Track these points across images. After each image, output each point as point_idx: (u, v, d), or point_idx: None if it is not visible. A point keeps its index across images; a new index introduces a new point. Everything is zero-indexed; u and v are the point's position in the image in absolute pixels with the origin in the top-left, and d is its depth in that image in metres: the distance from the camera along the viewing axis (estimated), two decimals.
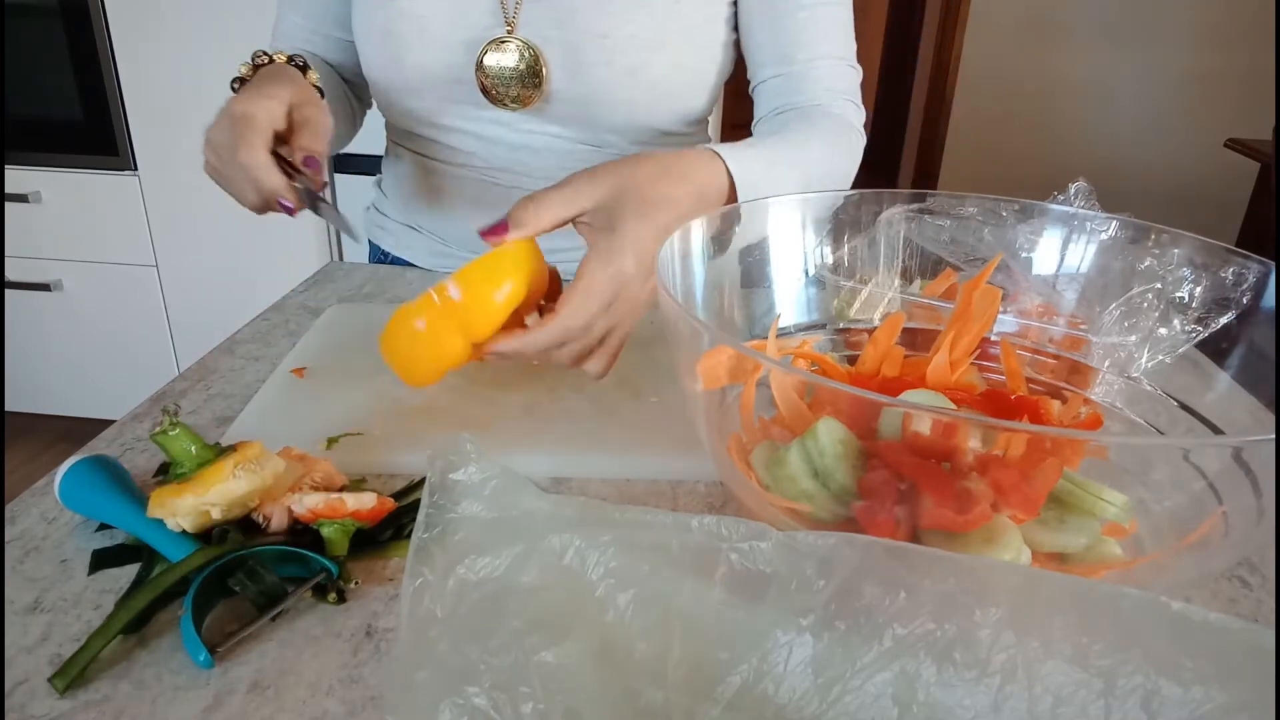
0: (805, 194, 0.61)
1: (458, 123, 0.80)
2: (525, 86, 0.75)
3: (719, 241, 0.57)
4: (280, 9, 0.84)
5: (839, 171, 0.75)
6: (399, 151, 0.88)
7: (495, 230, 0.54)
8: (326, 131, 0.64)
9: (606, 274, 0.54)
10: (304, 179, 0.62)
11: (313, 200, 0.62)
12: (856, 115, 0.79)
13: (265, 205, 0.62)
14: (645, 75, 0.74)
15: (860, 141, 0.78)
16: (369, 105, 0.91)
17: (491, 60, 0.74)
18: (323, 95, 0.70)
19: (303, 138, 0.62)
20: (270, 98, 0.61)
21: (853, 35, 0.79)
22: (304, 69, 0.69)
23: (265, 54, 0.69)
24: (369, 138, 0.94)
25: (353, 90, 0.87)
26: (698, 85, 0.79)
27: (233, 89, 0.67)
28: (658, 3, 0.73)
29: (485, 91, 0.75)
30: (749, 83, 0.82)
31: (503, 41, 0.73)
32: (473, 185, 0.83)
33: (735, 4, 0.78)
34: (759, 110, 0.81)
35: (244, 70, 0.68)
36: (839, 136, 0.75)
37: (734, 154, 0.62)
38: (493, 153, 0.81)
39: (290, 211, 0.61)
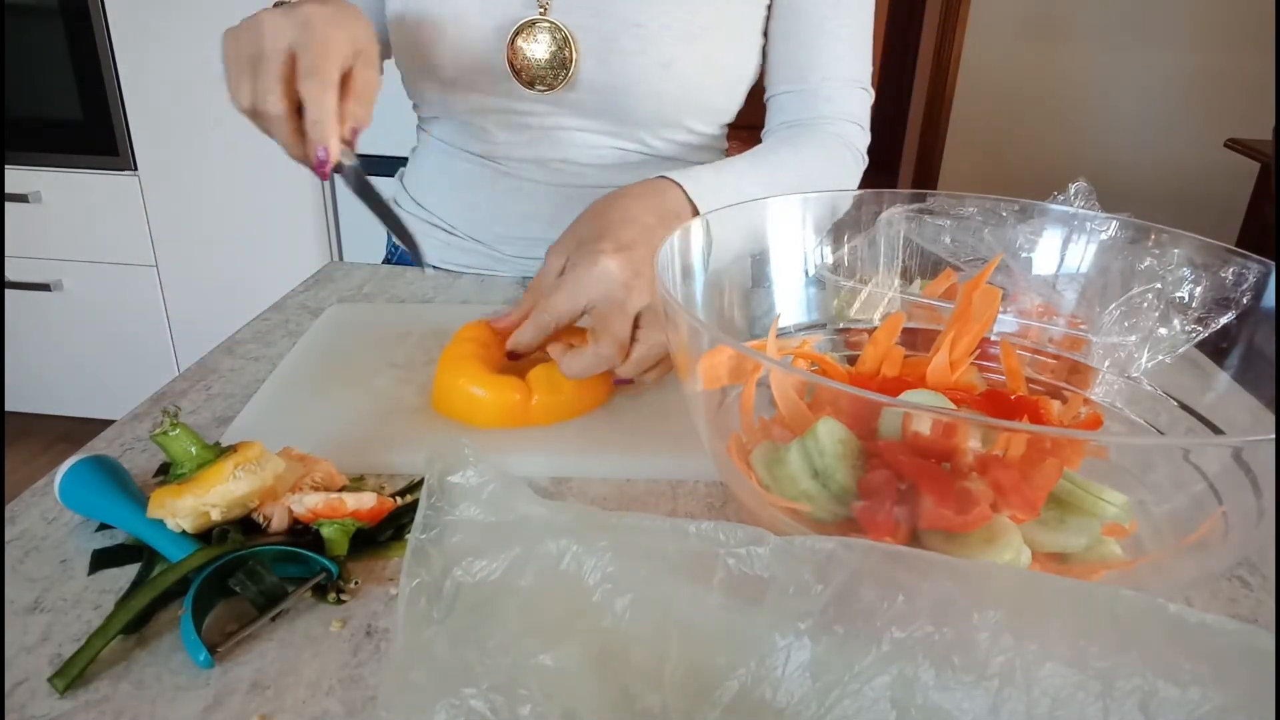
0: (805, 194, 0.61)
1: (487, 111, 0.80)
2: (554, 69, 0.75)
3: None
4: None
5: (823, 183, 0.75)
6: (425, 140, 0.88)
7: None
8: (375, 97, 0.57)
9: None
10: (354, 164, 0.56)
11: (360, 184, 0.56)
12: (859, 137, 0.80)
13: (298, 150, 0.54)
14: (677, 68, 0.75)
15: (857, 163, 0.79)
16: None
17: (523, 41, 0.74)
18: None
19: (359, 104, 0.55)
20: (348, 28, 0.54)
21: (869, 59, 0.80)
22: None
23: None
24: (387, 139, 0.94)
25: None
26: (728, 83, 0.79)
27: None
28: None
29: (515, 73, 0.75)
30: (764, 92, 0.83)
31: (534, 23, 0.73)
32: (495, 176, 0.84)
33: (769, 10, 0.79)
34: (769, 122, 0.83)
35: None
36: (831, 152, 0.76)
37: (696, 181, 0.64)
38: (520, 143, 0.81)
39: (320, 167, 0.54)
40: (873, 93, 0.81)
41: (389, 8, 0.78)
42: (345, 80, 0.55)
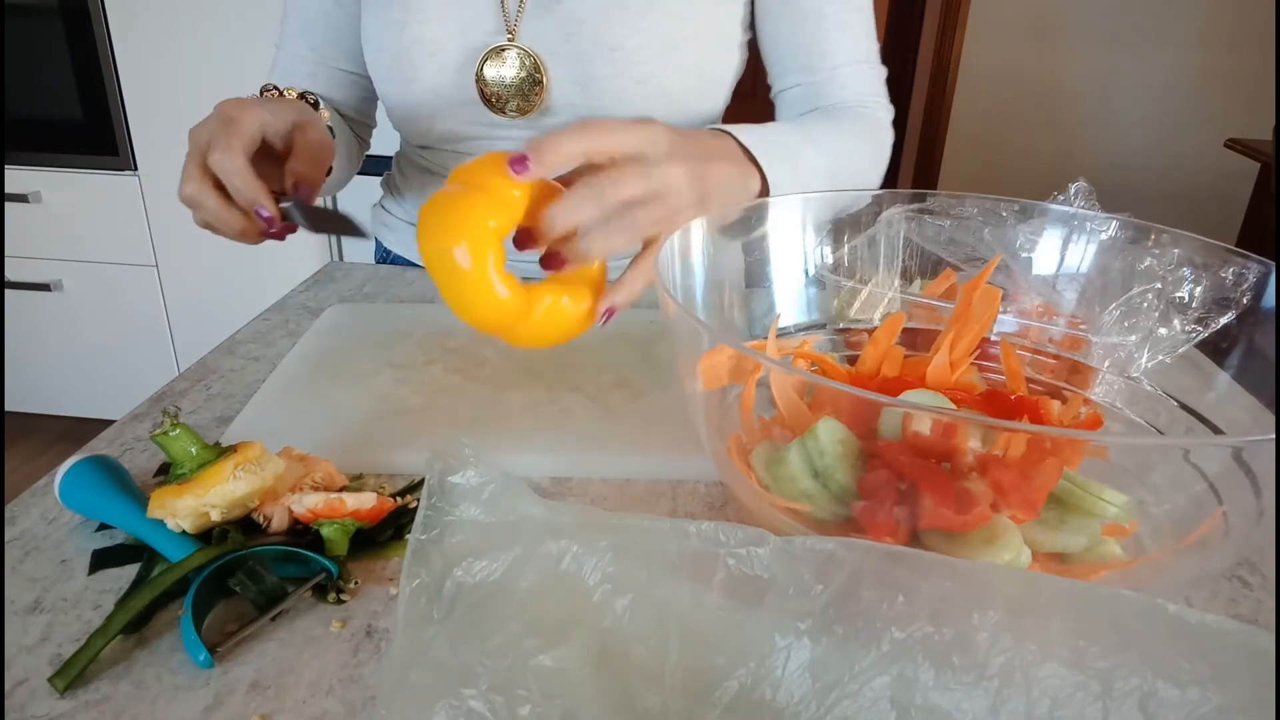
0: (806, 194, 0.61)
1: (471, 139, 0.80)
2: (525, 95, 0.74)
3: (734, 230, 0.57)
4: (284, 41, 0.82)
5: (864, 159, 0.74)
6: (413, 157, 0.88)
7: (517, 163, 0.47)
8: (326, 159, 0.60)
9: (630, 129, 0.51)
10: (294, 200, 0.56)
11: (309, 216, 0.56)
12: (885, 113, 0.79)
13: (235, 223, 0.56)
14: (657, 84, 0.74)
15: (888, 137, 0.78)
16: (368, 145, 0.90)
17: (491, 68, 0.74)
18: (333, 135, 0.68)
19: (299, 161, 0.57)
20: (266, 109, 0.57)
21: (874, 36, 0.78)
22: (315, 105, 0.67)
23: (275, 88, 0.65)
24: (373, 138, 0.94)
25: (354, 129, 0.87)
26: (712, 87, 0.78)
27: None
28: (667, 7, 0.72)
29: (485, 100, 0.75)
30: (769, 88, 0.82)
31: (502, 50, 0.73)
32: None
33: (752, 6, 0.78)
34: (780, 117, 0.81)
35: None
36: (863, 128, 0.75)
37: (749, 132, 0.62)
38: None
39: (270, 226, 0.55)
40: (884, 68, 0.79)
41: (367, 54, 0.78)
42: (289, 149, 0.58)
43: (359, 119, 0.87)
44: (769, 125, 0.66)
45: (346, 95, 0.84)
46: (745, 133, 0.62)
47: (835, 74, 0.76)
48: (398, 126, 0.84)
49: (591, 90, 0.74)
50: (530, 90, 0.74)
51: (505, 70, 0.73)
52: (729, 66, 0.79)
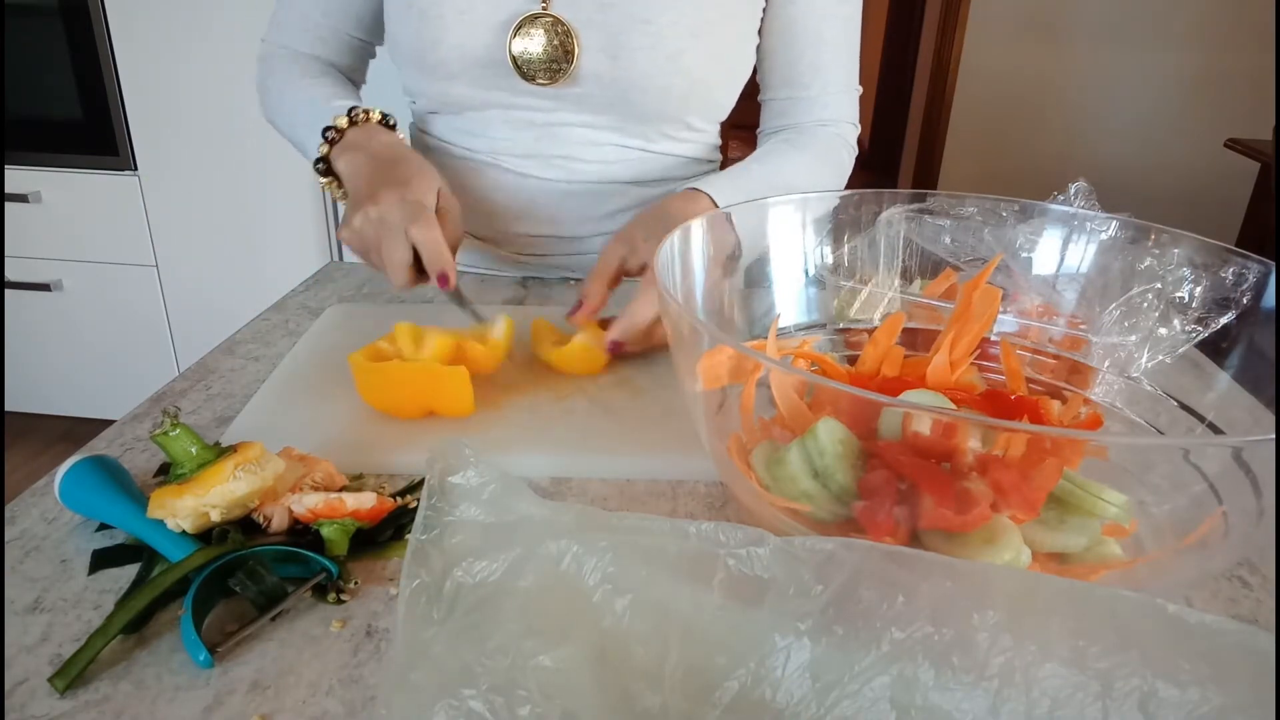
0: (805, 194, 0.61)
1: (489, 107, 0.80)
2: (556, 63, 0.75)
3: (728, 265, 0.60)
4: (290, 1, 0.83)
5: (830, 186, 0.82)
6: (423, 139, 0.88)
7: (575, 312, 0.66)
8: (458, 234, 0.68)
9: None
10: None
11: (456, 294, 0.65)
12: (853, 133, 0.86)
13: (405, 278, 0.64)
14: (684, 62, 0.76)
15: (851, 157, 0.85)
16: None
17: (524, 36, 0.74)
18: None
19: (453, 227, 0.67)
20: (424, 179, 0.66)
21: (858, 60, 0.85)
22: (393, 128, 0.74)
23: (364, 111, 0.72)
24: None
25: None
26: (731, 78, 0.81)
27: (325, 138, 0.71)
28: None
29: (517, 67, 0.76)
30: (758, 92, 0.87)
31: (537, 18, 0.74)
32: (496, 174, 0.83)
33: (764, 11, 0.80)
34: (765, 122, 0.87)
35: (341, 122, 0.71)
36: (830, 154, 0.82)
37: (719, 190, 0.72)
38: (521, 139, 0.82)
39: (443, 285, 0.64)
40: (861, 89, 0.86)
41: (391, 10, 0.78)
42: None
43: (355, 79, 0.89)
44: (747, 172, 0.76)
45: (352, 60, 0.86)
46: (718, 190, 0.72)
47: (822, 94, 0.82)
48: (411, 88, 0.84)
49: (621, 62, 0.75)
50: (560, 57, 0.75)
51: (534, 39, 0.74)
52: (746, 62, 0.81)
